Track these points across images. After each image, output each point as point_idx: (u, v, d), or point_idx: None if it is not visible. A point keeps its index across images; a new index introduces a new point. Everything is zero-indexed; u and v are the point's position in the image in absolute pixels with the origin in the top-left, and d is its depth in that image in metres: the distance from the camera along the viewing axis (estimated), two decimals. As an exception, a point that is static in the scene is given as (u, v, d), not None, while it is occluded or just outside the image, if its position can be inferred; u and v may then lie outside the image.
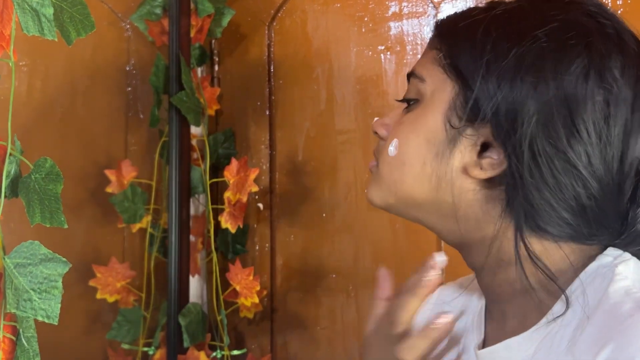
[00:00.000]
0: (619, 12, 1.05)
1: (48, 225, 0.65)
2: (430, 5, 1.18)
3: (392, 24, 1.22)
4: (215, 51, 1.32)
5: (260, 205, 1.28)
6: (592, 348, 0.49)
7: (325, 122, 1.26)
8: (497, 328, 0.63)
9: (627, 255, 0.55)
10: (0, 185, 0.61)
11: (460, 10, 0.64)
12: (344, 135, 1.24)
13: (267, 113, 1.30)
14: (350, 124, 1.23)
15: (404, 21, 1.22)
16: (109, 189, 1.16)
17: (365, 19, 1.24)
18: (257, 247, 1.27)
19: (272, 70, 1.30)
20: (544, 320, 0.55)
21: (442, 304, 0.73)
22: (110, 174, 1.16)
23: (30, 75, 1.24)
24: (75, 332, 1.17)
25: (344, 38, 1.25)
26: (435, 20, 0.67)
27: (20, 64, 1.22)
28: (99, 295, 1.14)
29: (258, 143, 1.30)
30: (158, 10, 1.18)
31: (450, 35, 0.62)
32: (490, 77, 0.55)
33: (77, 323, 1.18)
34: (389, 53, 1.18)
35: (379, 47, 1.21)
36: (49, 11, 0.60)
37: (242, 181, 1.17)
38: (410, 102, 0.63)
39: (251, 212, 1.28)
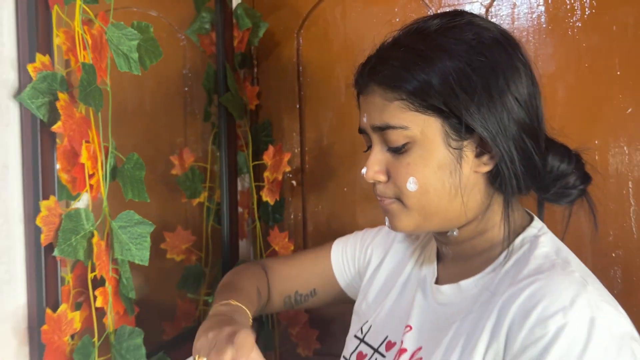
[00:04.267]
0: (587, 13, 1.17)
1: (137, 200, 0.87)
2: (431, 11, 1.26)
3: (398, 26, 1.30)
4: (254, 56, 1.41)
5: (294, 182, 1.38)
6: (520, 291, 0.62)
7: (345, 112, 1.35)
8: (446, 269, 0.77)
9: (545, 229, 0.70)
10: (105, 174, 0.83)
11: (375, 56, 0.71)
12: None
13: (298, 106, 1.39)
14: None
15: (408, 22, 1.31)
16: (173, 172, 1.23)
17: (377, 25, 1.31)
18: (292, 216, 1.38)
19: (300, 70, 1.39)
20: (489, 268, 0.69)
21: (396, 241, 0.88)
22: (174, 160, 1.23)
23: (112, 83, 1.33)
24: (152, 285, 1.18)
25: (359, 41, 1.33)
26: (361, 77, 0.74)
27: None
28: (168, 256, 1.20)
29: (290, 131, 1.40)
30: (207, 26, 1.29)
31: (397, 80, 0.67)
32: (455, 98, 0.65)
33: (153, 278, 1.19)
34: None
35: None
36: (135, 55, 0.80)
37: (278, 163, 1.29)
38: (403, 147, 0.68)
39: (286, 188, 1.38)
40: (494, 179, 0.68)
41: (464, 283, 0.71)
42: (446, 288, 0.73)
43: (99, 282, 0.81)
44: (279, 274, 1.00)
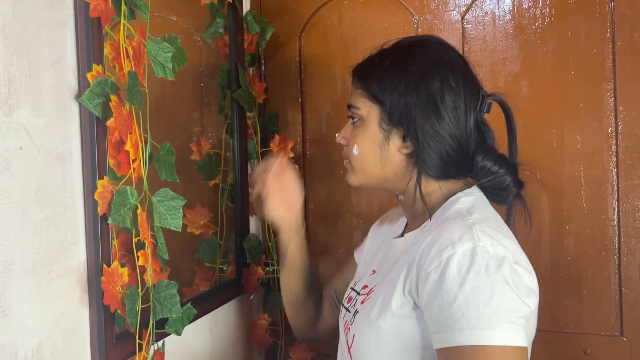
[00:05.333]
0: (546, 21, 1.33)
1: (169, 180, 1.05)
2: (415, 18, 1.40)
3: (387, 32, 1.42)
4: (262, 56, 1.53)
5: (296, 167, 1.49)
6: (427, 238, 0.80)
7: (342, 105, 1.46)
8: (407, 228, 0.96)
9: (474, 191, 0.86)
10: (144, 159, 1.02)
11: (366, 57, 0.91)
12: None
13: (300, 100, 1.50)
14: None
15: (395, 29, 1.41)
16: (192, 157, 1.31)
17: (369, 29, 1.45)
18: None
19: (302, 68, 1.50)
20: (422, 225, 0.87)
21: (390, 217, 1.07)
22: (193, 147, 1.31)
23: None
24: (175, 254, 1.17)
25: (353, 43, 1.46)
26: (356, 65, 0.93)
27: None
28: (188, 230, 1.30)
29: (294, 122, 1.52)
30: (221, 30, 1.39)
31: (363, 76, 0.90)
32: (394, 98, 0.85)
33: (176, 248, 1.19)
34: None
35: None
36: (170, 65, 0.98)
37: (283, 150, 1.42)
38: (355, 120, 0.91)
39: None
40: (415, 160, 0.87)
41: (408, 235, 0.90)
42: (398, 240, 0.93)
43: (139, 246, 1.00)
44: (325, 284, 1.22)
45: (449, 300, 0.73)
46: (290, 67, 1.52)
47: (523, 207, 0.89)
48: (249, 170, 1.48)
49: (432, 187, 0.89)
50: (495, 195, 0.89)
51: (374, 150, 0.89)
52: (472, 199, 0.86)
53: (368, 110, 0.89)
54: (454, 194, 0.88)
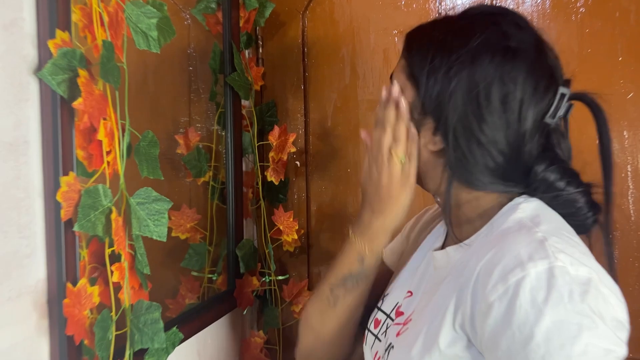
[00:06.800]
0: (581, 11, 1.20)
1: (152, 177, 0.88)
2: None
3: (403, 10, 1.31)
4: (260, 37, 1.42)
5: (298, 163, 1.40)
6: (484, 253, 0.65)
7: (350, 94, 1.36)
8: (449, 237, 0.81)
9: (534, 198, 0.71)
10: (122, 153, 0.84)
11: (423, 23, 0.76)
12: (365, 104, 1.35)
13: (302, 87, 1.40)
14: (370, 95, 1.35)
15: (414, 7, 1.31)
16: (179, 150, 1.23)
17: (382, 6, 1.33)
18: (296, 196, 1.41)
19: (305, 51, 1.40)
20: (470, 238, 0.72)
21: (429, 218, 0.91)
22: (179, 139, 1.23)
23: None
24: (156, 262, 1.15)
25: (364, 23, 1.34)
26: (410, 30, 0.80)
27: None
28: (173, 234, 1.20)
29: (295, 112, 1.41)
30: (213, 5, 1.28)
31: (409, 46, 0.75)
32: (430, 83, 0.70)
33: (158, 255, 1.18)
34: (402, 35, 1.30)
35: (394, 31, 1.32)
36: (154, 34, 0.81)
37: (283, 144, 1.31)
38: None
39: (290, 168, 1.40)
40: (445, 162, 0.73)
41: (450, 249, 0.75)
42: (438, 254, 0.77)
43: (114, 259, 0.82)
44: None
45: (522, 339, 0.58)
46: (292, 50, 1.41)
47: (604, 240, 0.72)
48: (244, 167, 1.37)
49: (472, 194, 0.74)
50: (573, 225, 0.71)
51: None
52: (535, 205, 0.70)
53: (403, 88, 0.76)
54: (507, 200, 0.72)
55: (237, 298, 1.30)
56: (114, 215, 0.80)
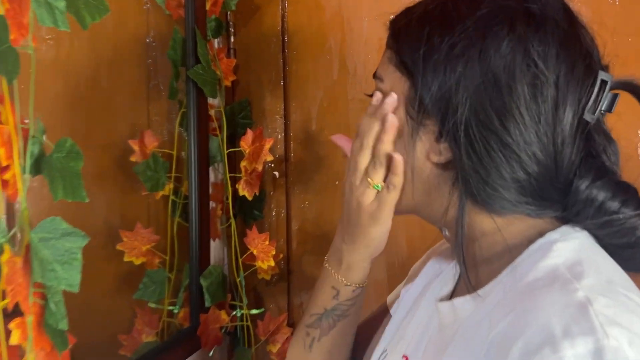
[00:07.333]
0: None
1: (70, 200, 0.71)
2: None
3: None
4: (231, 23, 1.32)
5: (276, 173, 1.31)
6: (502, 314, 0.51)
7: (338, 91, 1.28)
8: (460, 284, 0.67)
9: (576, 234, 0.56)
10: (24, 164, 0.66)
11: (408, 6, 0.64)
12: (357, 104, 1.25)
13: (282, 83, 1.31)
14: (362, 93, 1.22)
15: None
16: (132, 158, 1.16)
17: None
18: (274, 213, 1.31)
19: (286, 40, 1.31)
20: (485, 287, 0.57)
21: (434, 262, 0.76)
22: (133, 144, 1.15)
23: (56, 47, 1.25)
24: (104, 293, 1.17)
25: (356, 8, 1.25)
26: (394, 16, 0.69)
27: (47, 37, 1.25)
28: (126, 258, 1.14)
29: (273, 113, 1.32)
30: None
31: (396, 32, 0.63)
32: (427, 69, 0.57)
33: (106, 284, 1.19)
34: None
35: (391, 17, 1.20)
36: (61, 4, 0.64)
37: (258, 151, 1.20)
38: None
39: (267, 180, 1.31)
40: (455, 177, 0.60)
41: (458, 301, 0.60)
42: (444, 307, 0.62)
43: (11, 314, 0.64)
44: None
45: None
46: (270, 39, 1.33)
47: None
48: (211, 178, 1.27)
49: (492, 224, 0.59)
50: (617, 252, 0.58)
51: (396, 150, 0.63)
52: (575, 245, 0.55)
53: (393, 83, 0.63)
54: (538, 233, 0.57)
55: (202, 337, 1.18)
56: (6, 256, 0.61)
